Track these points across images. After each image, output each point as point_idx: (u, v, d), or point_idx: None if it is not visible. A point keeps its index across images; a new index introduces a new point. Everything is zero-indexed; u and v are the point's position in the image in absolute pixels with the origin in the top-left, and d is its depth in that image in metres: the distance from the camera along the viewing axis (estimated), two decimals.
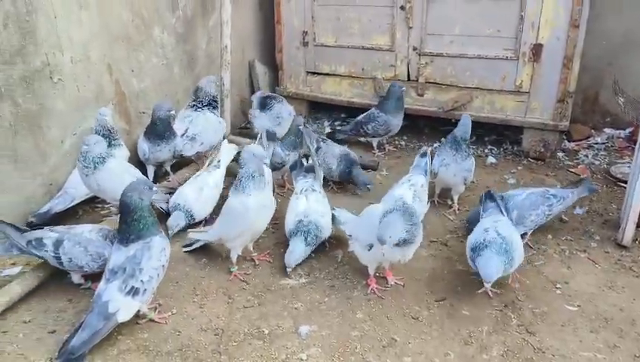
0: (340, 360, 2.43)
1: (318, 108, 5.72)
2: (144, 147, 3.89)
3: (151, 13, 4.28)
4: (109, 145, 3.46)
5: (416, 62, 4.81)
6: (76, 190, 3.53)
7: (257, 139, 3.94)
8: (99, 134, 3.46)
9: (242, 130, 5.34)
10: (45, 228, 2.88)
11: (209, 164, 3.72)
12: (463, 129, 3.68)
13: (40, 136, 3.49)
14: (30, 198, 3.47)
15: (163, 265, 2.59)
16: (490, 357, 2.45)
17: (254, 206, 2.86)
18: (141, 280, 2.48)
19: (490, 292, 2.82)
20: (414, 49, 4.77)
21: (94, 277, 2.86)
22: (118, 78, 4.06)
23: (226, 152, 3.80)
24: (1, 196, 3.27)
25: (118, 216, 2.66)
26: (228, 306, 2.82)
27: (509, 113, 4.61)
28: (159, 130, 3.82)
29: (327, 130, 5.40)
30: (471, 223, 3.26)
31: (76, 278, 2.90)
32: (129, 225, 2.52)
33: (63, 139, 3.66)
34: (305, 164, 3.76)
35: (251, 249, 3.16)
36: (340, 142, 4.46)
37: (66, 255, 2.75)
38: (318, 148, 4.04)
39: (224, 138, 4.30)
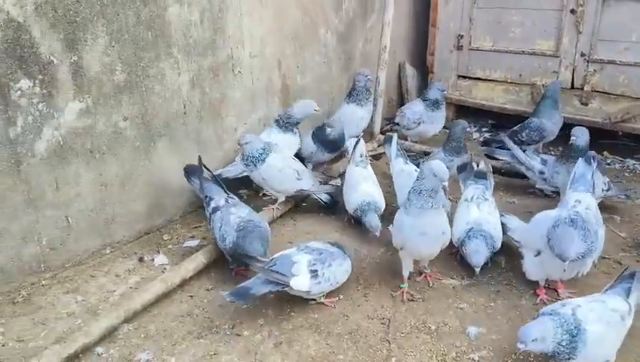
0: None
1: (465, 114, 5.61)
2: (311, 148, 4.11)
3: (318, 14, 4.49)
4: (264, 158, 3.48)
5: (584, 69, 4.56)
6: None
7: (389, 141, 3.79)
8: (250, 159, 3.49)
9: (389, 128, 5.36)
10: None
11: (353, 160, 3.72)
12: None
13: (219, 122, 3.81)
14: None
15: (338, 282, 2.80)
16: None
17: (408, 227, 2.71)
18: (324, 272, 2.66)
19: None
20: (582, 55, 4.53)
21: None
22: (285, 73, 4.32)
23: (361, 147, 3.76)
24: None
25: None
26: (392, 298, 2.88)
27: None
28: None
29: (475, 136, 5.29)
30: None
31: None
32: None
33: (237, 127, 3.96)
34: (475, 168, 3.52)
35: (425, 266, 3.02)
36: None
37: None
38: None
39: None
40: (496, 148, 4.24)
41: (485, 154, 4.20)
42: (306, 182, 3.61)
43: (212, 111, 3.74)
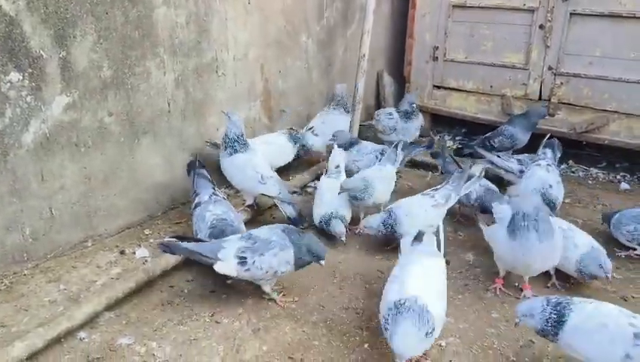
0: (478, 352, 2.53)
1: (440, 122, 5.82)
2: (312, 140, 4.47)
3: (300, 21, 4.65)
4: (235, 151, 3.53)
5: (551, 81, 4.80)
6: None
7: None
8: (227, 141, 3.55)
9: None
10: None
11: (327, 171, 3.88)
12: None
13: (202, 121, 3.92)
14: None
15: (276, 271, 2.75)
16: None
17: None
18: (254, 260, 2.68)
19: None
20: (549, 68, 4.77)
21: None
22: (267, 78, 4.46)
23: (339, 158, 3.93)
24: (169, 171, 3.71)
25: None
26: (366, 290, 3.01)
27: None
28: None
29: (449, 143, 5.50)
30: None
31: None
32: None
33: (218, 127, 4.06)
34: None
35: None
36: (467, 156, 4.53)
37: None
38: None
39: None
40: (469, 153, 4.46)
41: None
42: (271, 188, 3.55)
43: (195, 111, 3.84)
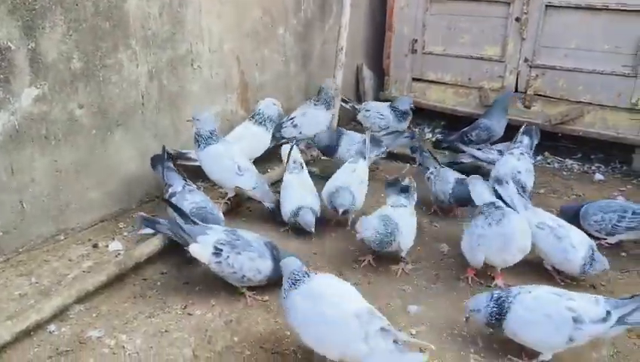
0: (448, 340, 2.56)
1: (420, 115, 5.82)
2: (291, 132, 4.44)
3: (278, 13, 4.63)
4: (209, 144, 3.49)
5: (527, 73, 4.84)
6: None
7: (361, 142, 3.94)
8: (200, 137, 3.49)
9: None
10: None
11: (287, 168, 3.76)
12: None
13: (177, 114, 3.89)
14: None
15: (244, 276, 2.74)
16: (599, 355, 2.48)
17: None
18: (229, 256, 2.69)
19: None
20: (525, 60, 4.81)
21: None
22: (244, 70, 4.43)
23: (295, 154, 3.83)
24: (143, 165, 3.68)
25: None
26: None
27: (622, 131, 4.52)
28: None
29: (428, 136, 5.53)
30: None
31: None
32: None
33: None
34: (402, 182, 3.36)
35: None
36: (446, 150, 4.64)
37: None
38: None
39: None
40: (447, 146, 4.55)
41: (450, 162, 4.38)
42: (248, 181, 3.54)
43: (170, 104, 3.82)
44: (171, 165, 3.49)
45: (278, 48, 4.76)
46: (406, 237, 3.03)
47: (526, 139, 3.87)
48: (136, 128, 3.61)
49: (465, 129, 4.73)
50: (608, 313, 2.28)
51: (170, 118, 3.85)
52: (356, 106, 5.09)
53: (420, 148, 4.12)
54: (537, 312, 2.32)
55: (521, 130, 3.94)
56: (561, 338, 2.29)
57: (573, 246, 2.91)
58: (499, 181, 3.18)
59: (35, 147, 3.06)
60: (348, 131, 4.32)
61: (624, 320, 2.28)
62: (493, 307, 2.40)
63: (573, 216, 3.37)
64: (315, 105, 4.54)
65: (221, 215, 3.23)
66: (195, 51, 3.89)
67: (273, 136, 4.37)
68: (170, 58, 3.72)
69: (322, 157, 4.67)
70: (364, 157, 3.78)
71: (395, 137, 4.39)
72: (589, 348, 2.48)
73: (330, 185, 3.52)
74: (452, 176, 3.67)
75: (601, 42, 4.45)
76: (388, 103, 5.01)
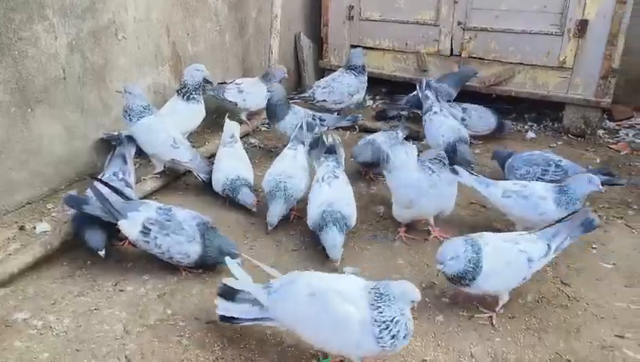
0: None
1: None
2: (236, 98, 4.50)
3: None
4: (142, 116, 3.45)
5: (460, 37, 4.89)
6: None
7: (297, 128, 3.70)
8: (128, 111, 3.47)
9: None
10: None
11: (222, 142, 3.74)
12: None
13: (104, 88, 3.74)
14: (95, 147, 3.74)
15: (172, 257, 2.70)
16: (525, 301, 2.58)
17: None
18: (157, 236, 2.64)
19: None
20: (459, 24, 4.86)
21: None
22: (175, 41, 4.29)
23: (233, 128, 3.82)
24: (71, 143, 3.53)
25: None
26: (276, 249, 3.02)
27: (551, 89, 4.66)
28: None
29: (369, 103, 5.54)
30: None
31: None
32: None
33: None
34: (326, 142, 3.39)
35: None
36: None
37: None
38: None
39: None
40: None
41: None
42: (184, 153, 3.50)
43: (95, 77, 3.66)
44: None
45: (211, 17, 4.62)
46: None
47: (430, 94, 4.09)
48: (59, 104, 3.44)
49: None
50: (549, 246, 2.46)
51: (97, 93, 3.69)
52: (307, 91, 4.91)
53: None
54: (500, 261, 2.37)
55: (418, 88, 4.24)
56: (519, 279, 2.44)
57: (542, 198, 2.89)
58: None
59: None
60: (297, 107, 4.18)
61: (559, 248, 2.49)
62: (472, 252, 2.33)
63: (504, 161, 3.58)
64: (261, 80, 4.55)
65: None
66: (118, 21, 3.73)
67: (215, 98, 4.45)
68: (91, 29, 3.55)
69: (263, 129, 4.63)
70: (303, 143, 3.59)
71: (336, 119, 4.31)
72: (515, 295, 2.58)
73: (273, 172, 3.31)
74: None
75: (530, 2, 4.53)
76: (341, 69, 4.93)
